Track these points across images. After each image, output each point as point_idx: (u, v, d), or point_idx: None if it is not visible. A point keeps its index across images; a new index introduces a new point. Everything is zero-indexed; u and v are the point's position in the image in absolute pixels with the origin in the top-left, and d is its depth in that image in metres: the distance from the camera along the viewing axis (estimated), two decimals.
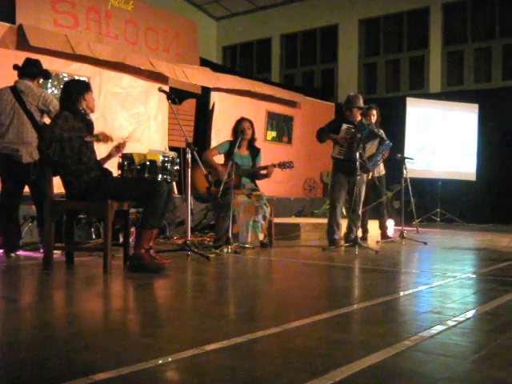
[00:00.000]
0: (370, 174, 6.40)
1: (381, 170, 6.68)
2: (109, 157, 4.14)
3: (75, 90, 3.97)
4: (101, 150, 4.21)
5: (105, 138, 3.99)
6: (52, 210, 3.89)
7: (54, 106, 4.48)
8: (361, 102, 5.88)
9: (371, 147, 5.74)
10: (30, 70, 4.65)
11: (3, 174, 4.67)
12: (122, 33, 7.62)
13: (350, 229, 5.95)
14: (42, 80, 4.86)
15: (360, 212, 5.85)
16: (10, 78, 4.72)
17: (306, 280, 3.88)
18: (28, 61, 4.70)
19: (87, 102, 4.01)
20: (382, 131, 6.72)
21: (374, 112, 6.56)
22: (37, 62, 4.73)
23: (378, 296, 2.98)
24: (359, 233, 5.87)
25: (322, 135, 5.93)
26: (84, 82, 4.17)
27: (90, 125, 4.05)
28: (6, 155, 4.54)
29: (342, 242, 5.81)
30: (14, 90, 4.54)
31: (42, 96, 4.54)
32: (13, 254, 4.54)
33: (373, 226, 6.76)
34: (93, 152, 4.01)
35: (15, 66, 4.66)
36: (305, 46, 13.26)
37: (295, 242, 6.44)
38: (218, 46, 14.35)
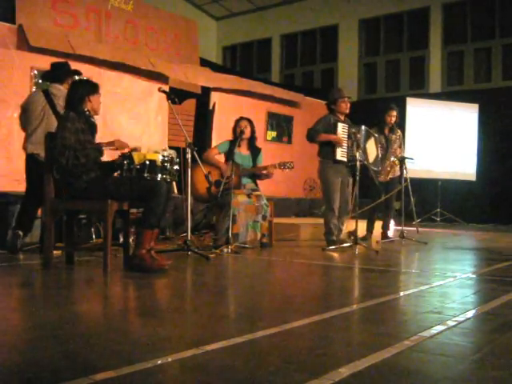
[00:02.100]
0: (386, 176, 6.40)
1: (396, 170, 6.61)
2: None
3: (81, 91, 3.96)
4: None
5: (121, 145, 3.99)
6: (52, 209, 3.90)
7: None
8: (345, 93, 5.93)
9: (370, 148, 5.73)
10: (56, 74, 4.67)
11: (28, 174, 4.69)
12: (122, 33, 7.62)
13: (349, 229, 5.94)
14: (71, 80, 4.84)
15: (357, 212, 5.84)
16: (11, 78, 4.71)
17: (306, 280, 3.87)
18: (52, 65, 4.73)
19: (92, 104, 4.00)
20: (399, 131, 6.73)
21: (395, 113, 6.51)
22: (61, 64, 4.74)
23: (378, 296, 2.98)
24: (359, 232, 5.85)
25: (316, 135, 5.73)
26: (92, 83, 4.13)
27: (93, 127, 4.04)
28: (31, 155, 4.58)
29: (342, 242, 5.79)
30: (47, 93, 4.59)
31: None
32: (21, 233, 4.54)
33: (375, 225, 6.76)
34: None
35: (44, 76, 4.67)
36: (305, 46, 13.26)
37: (295, 242, 6.44)
38: (218, 46, 14.35)
